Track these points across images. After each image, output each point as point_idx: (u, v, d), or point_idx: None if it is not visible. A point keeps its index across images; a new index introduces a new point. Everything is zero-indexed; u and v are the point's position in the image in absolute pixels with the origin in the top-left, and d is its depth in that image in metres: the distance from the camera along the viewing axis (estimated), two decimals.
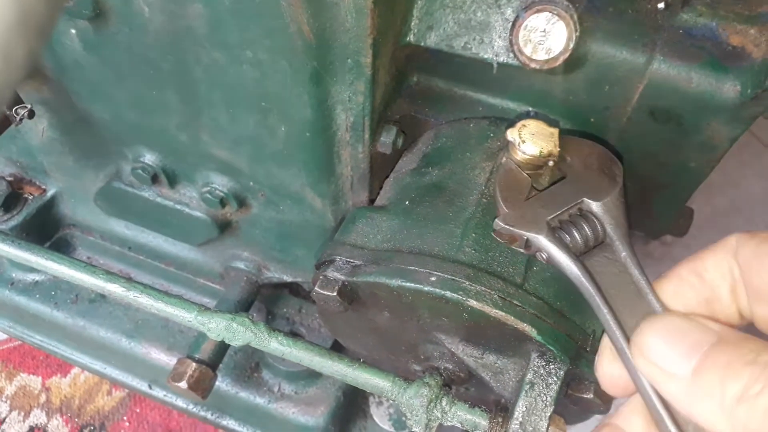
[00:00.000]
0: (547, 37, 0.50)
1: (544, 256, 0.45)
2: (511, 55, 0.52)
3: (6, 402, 1.25)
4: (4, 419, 1.23)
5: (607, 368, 0.40)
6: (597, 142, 0.52)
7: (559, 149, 0.48)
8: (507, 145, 0.49)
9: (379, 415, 0.93)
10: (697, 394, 0.32)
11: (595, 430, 0.40)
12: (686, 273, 0.37)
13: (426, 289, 0.49)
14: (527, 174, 0.48)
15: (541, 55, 0.51)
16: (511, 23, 0.51)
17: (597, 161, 0.50)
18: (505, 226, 0.46)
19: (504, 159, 0.50)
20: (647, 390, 0.36)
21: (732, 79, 0.51)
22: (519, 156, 0.48)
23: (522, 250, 0.47)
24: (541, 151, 0.47)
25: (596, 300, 0.41)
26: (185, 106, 0.62)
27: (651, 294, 0.40)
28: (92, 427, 1.23)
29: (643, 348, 0.35)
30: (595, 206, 0.46)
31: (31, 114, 0.71)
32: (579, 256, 0.44)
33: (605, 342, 0.40)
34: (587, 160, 0.49)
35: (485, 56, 0.54)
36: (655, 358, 0.34)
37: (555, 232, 0.45)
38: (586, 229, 0.44)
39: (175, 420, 1.22)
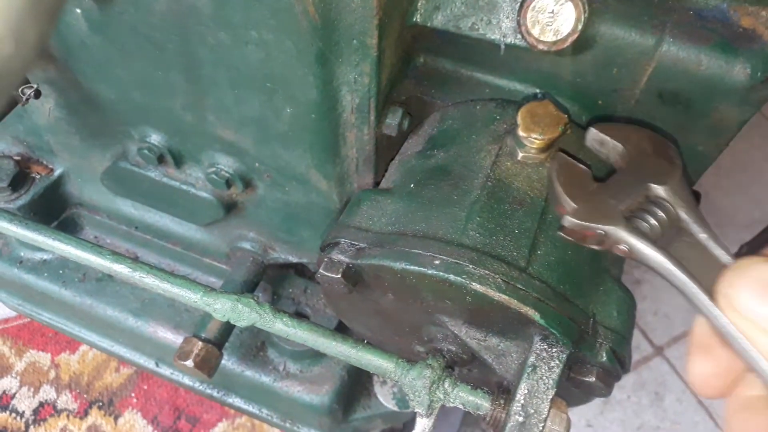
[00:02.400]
0: (556, 18, 0.49)
1: (625, 249, 0.42)
2: (519, 36, 0.51)
3: (16, 378, 1.27)
4: (14, 395, 1.25)
5: (700, 367, 0.38)
6: (643, 127, 0.51)
7: (560, 132, 0.47)
8: (513, 131, 0.49)
9: (383, 394, 0.94)
10: None
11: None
12: None
13: (430, 272, 0.49)
14: (584, 166, 0.47)
15: (549, 37, 0.50)
16: (519, 4, 0.51)
17: (650, 145, 0.48)
18: (579, 222, 0.44)
19: (555, 152, 0.48)
20: (747, 351, 0.34)
21: (742, 61, 0.50)
22: (524, 140, 0.48)
23: (596, 247, 0.44)
24: (543, 137, 0.47)
25: (690, 287, 0.38)
26: (190, 86, 0.62)
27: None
28: (101, 403, 1.25)
29: (737, 303, 0.32)
30: (662, 190, 0.44)
31: (38, 94, 0.71)
32: (659, 244, 0.42)
33: (694, 340, 0.38)
34: (640, 146, 0.48)
35: (492, 37, 0.53)
36: (755, 312, 0.32)
37: (630, 221, 0.43)
38: (660, 214, 0.43)
39: (182, 397, 1.24)
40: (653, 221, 0.43)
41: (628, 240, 0.42)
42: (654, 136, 0.49)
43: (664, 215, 0.43)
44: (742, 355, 0.34)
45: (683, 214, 0.43)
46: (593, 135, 0.52)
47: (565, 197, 0.46)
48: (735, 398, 0.37)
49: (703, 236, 0.41)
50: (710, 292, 0.37)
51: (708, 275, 0.38)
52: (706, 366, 0.37)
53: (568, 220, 0.44)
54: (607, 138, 0.51)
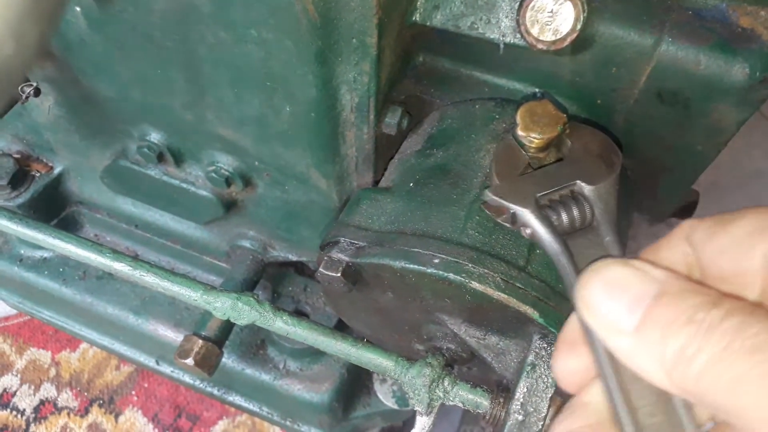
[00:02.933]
0: (555, 18, 0.49)
1: (528, 232, 0.45)
2: (518, 35, 0.52)
3: (17, 376, 1.27)
4: (15, 392, 1.25)
5: (563, 363, 0.39)
6: (601, 131, 0.52)
7: (558, 132, 0.48)
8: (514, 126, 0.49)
9: (382, 392, 0.94)
10: (641, 350, 0.32)
11: (563, 413, 0.39)
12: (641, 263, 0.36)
13: (429, 271, 0.49)
14: (526, 153, 0.48)
15: (548, 36, 0.50)
16: (518, 3, 0.51)
17: (597, 147, 0.50)
18: (494, 198, 0.46)
19: (506, 135, 0.50)
20: (597, 350, 0.36)
21: (741, 61, 0.50)
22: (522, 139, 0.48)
23: (508, 225, 0.47)
24: (542, 137, 0.47)
25: (570, 279, 0.41)
26: (190, 85, 0.62)
27: None
28: (101, 401, 1.25)
29: (588, 301, 0.34)
30: (587, 190, 0.46)
31: (37, 92, 0.71)
32: (563, 235, 0.43)
33: (562, 336, 0.39)
34: (588, 146, 0.49)
35: (492, 36, 0.53)
36: (601, 311, 0.34)
37: (543, 209, 0.45)
38: (574, 211, 0.44)
39: (182, 395, 1.24)
40: (565, 215, 0.44)
41: (533, 224, 0.44)
42: (605, 140, 0.50)
43: (577, 212, 0.45)
44: (593, 356, 0.36)
45: (598, 216, 0.44)
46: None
47: (493, 174, 0.47)
48: (573, 399, 0.38)
49: (606, 239, 0.43)
50: None
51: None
52: (569, 362, 0.38)
53: (486, 194, 0.46)
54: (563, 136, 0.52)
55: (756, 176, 1.48)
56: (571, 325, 0.39)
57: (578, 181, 0.46)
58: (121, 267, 0.59)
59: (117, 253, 0.60)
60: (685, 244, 0.35)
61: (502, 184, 0.46)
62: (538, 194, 0.45)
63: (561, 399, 0.50)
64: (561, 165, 0.48)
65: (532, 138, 0.52)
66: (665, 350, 0.30)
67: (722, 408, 0.29)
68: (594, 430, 0.36)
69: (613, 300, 0.33)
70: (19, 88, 0.70)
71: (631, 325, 0.32)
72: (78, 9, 0.59)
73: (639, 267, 0.34)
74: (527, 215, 0.44)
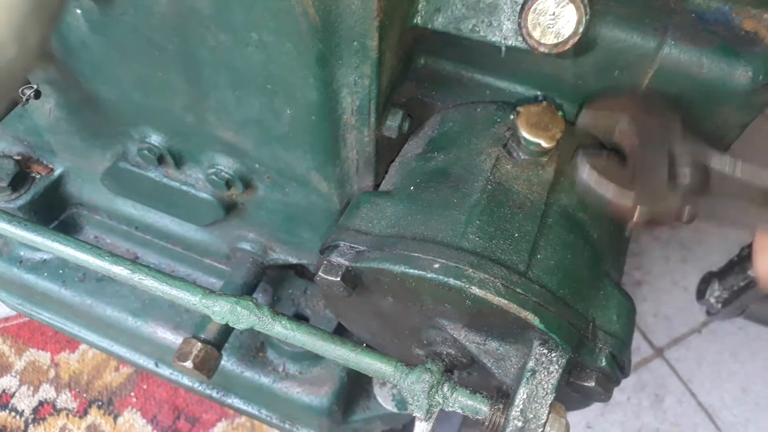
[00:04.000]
0: (557, 21, 0.49)
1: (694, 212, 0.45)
2: (520, 38, 0.51)
3: (16, 377, 1.27)
4: (14, 393, 1.25)
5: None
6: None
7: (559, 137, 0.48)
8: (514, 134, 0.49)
9: (382, 395, 0.94)
10: None
11: None
12: None
13: (429, 275, 0.49)
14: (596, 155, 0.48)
15: (550, 39, 0.50)
16: (519, 6, 0.51)
17: (642, 107, 0.49)
18: (646, 211, 0.46)
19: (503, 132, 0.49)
20: None
21: (744, 64, 0.50)
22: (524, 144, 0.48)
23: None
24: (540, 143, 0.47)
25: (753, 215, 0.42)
26: (191, 87, 0.62)
27: None
28: (100, 403, 1.25)
29: None
30: (679, 146, 0.47)
31: (38, 94, 0.71)
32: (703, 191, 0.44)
33: (761, 241, 0.41)
34: (635, 110, 0.49)
35: (493, 39, 0.53)
36: None
37: (679, 187, 0.45)
38: (692, 170, 0.46)
39: (181, 397, 1.24)
40: (693, 177, 0.46)
41: (697, 204, 0.45)
42: (642, 96, 0.50)
43: (695, 169, 0.46)
44: None
45: (710, 160, 0.46)
46: (589, 116, 0.53)
47: (618, 197, 0.47)
48: None
49: (737, 170, 0.45)
50: None
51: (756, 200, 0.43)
52: None
53: (642, 211, 0.46)
54: (606, 113, 0.51)
55: None
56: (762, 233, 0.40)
57: (665, 144, 0.47)
58: (119, 270, 0.59)
59: (116, 257, 0.59)
60: None
61: (632, 197, 0.46)
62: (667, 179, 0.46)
63: (561, 405, 0.50)
64: (636, 143, 0.48)
65: (534, 142, 0.52)
66: None
67: None
68: None
69: None
70: (20, 90, 0.70)
71: None
72: (78, 11, 0.59)
73: None
74: (690, 201, 0.45)
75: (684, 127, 0.46)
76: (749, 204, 0.41)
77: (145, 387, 1.26)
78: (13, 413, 1.23)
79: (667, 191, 0.45)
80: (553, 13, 0.49)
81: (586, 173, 0.48)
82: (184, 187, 0.78)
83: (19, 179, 0.90)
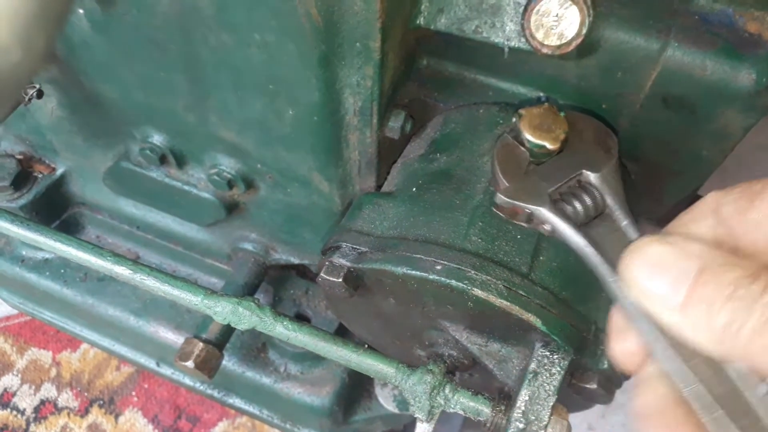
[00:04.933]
0: (560, 22, 0.49)
1: (548, 228, 0.45)
2: (523, 39, 0.51)
3: (17, 375, 1.27)
4: (16, 392, 1.25)
5: (618, 347, 0.41)
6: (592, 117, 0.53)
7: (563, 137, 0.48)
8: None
9: (383, 396, 0.94)
10: (690, 324, 0.34)
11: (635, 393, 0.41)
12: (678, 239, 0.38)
13: (431, 277, 0.49)
14: (526, 150, 0.48)
15: (553, 41, 0.50)
16: (523, 7, 0.50)
17: (592, 134, 0.50)
18: (507, 200, 0.46)
19: (502, 134, 0.50)
20: (647, 327, 0.37)
21: (747, 67, 0.50)
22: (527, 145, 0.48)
23: (523, 224, 0.47)
24: (545, 145, 0.47)
25: (602, 269, 0.41)
26: (193, 87, 0.62)
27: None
28: (101, 401, 1.25)
29: (633, 282, 0.36)
30: (593, 177, 0.46)
31: (40, 94, 0.71)
32: (581, 226, 0.44)
33: (611, 326, 0.41)
34: (583, 134, 0.50)
35: (496, 40, 0.53)
36: (646, 290, 0.35)
37: (557, 204, 0.45)
38: (587, 200, 0.45)
39: (182, 396, 1.24)
40: (579, 205, 0.45)
41: (552, 220, 0.44)
42: (597, 125, 0.51)
43: (590, 201, 0.45)
44: (639, 331, 0.38)
45: (609, 201, 0.45)
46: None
47: (499, 175, 0.47)
48: (638, 375, 0.41)
49: (624, 223, 0.44)
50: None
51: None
52: (622, 345, 0.41)
53: (498, 197, 0.47)
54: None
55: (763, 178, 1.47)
56: (615, 315, 0.41)
57: (583, 171, 0.46)
58: (121, 270, 0.59)
59: (117, 257, 0.59)
60: (712, 217, 0.37)
61: (511, 185, 0.47)
62: (550, 190, 0.46)
63: (563, 407, 0.50)
64: (562, 157, 0.48)
65: (536, 143, 0.52)
66: (712, 324, 0.33)
67: None
68: (665, 400, 0.38)
69: (657, 279, 0.35)
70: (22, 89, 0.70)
71: (677, 302, 0.34)
72: (81, 11, 0.59)
73: (677, 243, 0.36)
74: (545, 213, 0.45)
75: (615, 171, 0.47)
76: (606, 264, 0.42)
77: (146, 386, 1.26)
78: (14, 412, 1.24)
79: (534, 194, 0.46)
80: (557, 15, 0.49)
81: (495, 150, 0.49)
82: (186, 187, 0.78)
83: (21, 178, 0.90)
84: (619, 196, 0.45)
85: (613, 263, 0.41)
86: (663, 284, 0.35)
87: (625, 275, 0.36)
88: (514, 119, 0.50)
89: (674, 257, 0.35)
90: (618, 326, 0.41)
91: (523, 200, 0.45)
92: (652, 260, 0.36)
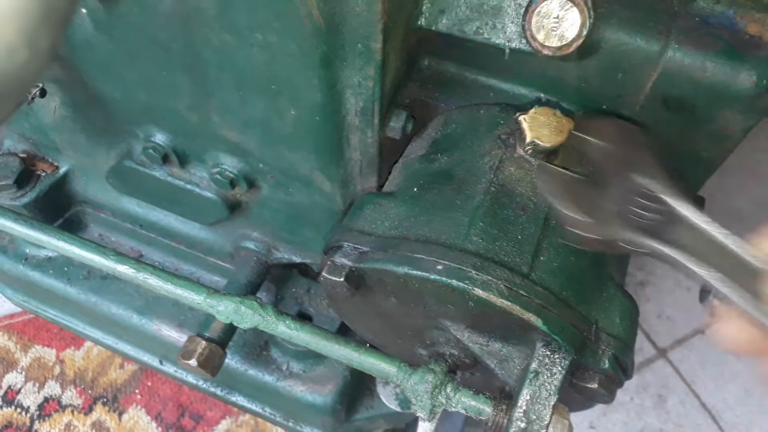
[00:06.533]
0: (561, 24, 0.49)
1: (638, 249, 0.44)
2: (524, 41, 0.51)
3: (21, 373, 1.28)
4: (20, 390, 1.26)
5: (734, 333, 0.40)
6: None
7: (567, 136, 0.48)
8: (517, 135, 0.49)
9: (385, 394, 0.94)
10: None
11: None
12: None
13: (432, 277, 0.49)
14: (566, 172, 0.48)
15: (554, 42, 0.50)
16: (524, 8, 0.51)
17: (623, 136, 0.49)
18: (593, 237, 0.45)
19: (539, 163, 0.49)
20: None
21: (748, 68, 0.50)
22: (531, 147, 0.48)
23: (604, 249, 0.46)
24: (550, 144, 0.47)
25: (706, 276, 0.40)
26: (195, 87, 0.62)
27: (739, 247, 0.39)
28: (105, 399, 1.26)
29: None
30: (643, 181, 0.45)
31: (43, 93, 0.71)
32: (663, 237, 0.43)
33: (720, 312, 0.40)
34: (612, 138, 0.49)
35: (497, 42, 0.53)
36: None
37: (629, 220, 0.44)
38: (654, 206, 0.44)
39: (185, 394, 1.25)
40: (649, 214, 0.44)
41: (648, 245, 0.44)
42: (624, 125, 0.50)
43: (656, 206, 0.45)
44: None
45: (670, 201, 0.44)
46: (572, 137, 0.53)
47: (570, 213, 0.47)
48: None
49: (697, 220, 0.43)
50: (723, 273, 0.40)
51: (711, 258, 0.41)
52: (742, 331, 0.40)
53: (585, 237, 0.46)
54: (588, 138, 0.51)
55: (763, 179, 1.47)
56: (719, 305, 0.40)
57: (631, 175, 0.46)
58: (124, 269, 0.59)
59: (120, 255, 0.60)
60: None
61: (589, 220, 0.46)
62: (617, 209, 0.45)
63: (564, 406, 0.50)
64: (610, 169, 0.47)
65: (538, 144, 0.52)
66: None
67: None
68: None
69: None
70: None
71: None
72: (84, 11, 0.59)
73: None
74: (638, 238, 0.44)
75: (659, 165, 0.46)
76: (702, 263, 0.41)
77: (149, 384, 1.26)
78: (18, 409, 1.24)
79: (611, 221, 0.45)
80: (557, 16, 0.49)
81: (541, 182, 0.49)
82: (189, 186, 0.79)
83: (25, 177, 0.91)
84: (677, 191, 0.44)
85: (701, 262, 0.41)
86: None
87: None
88: (515, 119, 0.51)
89: None
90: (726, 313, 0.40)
91: (605, 235, 0.45)
92: None
